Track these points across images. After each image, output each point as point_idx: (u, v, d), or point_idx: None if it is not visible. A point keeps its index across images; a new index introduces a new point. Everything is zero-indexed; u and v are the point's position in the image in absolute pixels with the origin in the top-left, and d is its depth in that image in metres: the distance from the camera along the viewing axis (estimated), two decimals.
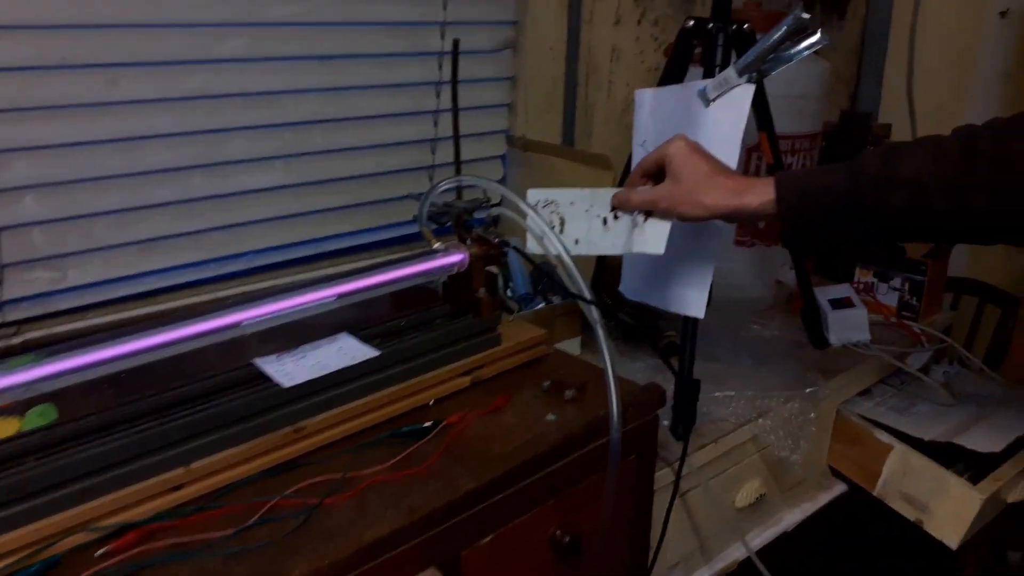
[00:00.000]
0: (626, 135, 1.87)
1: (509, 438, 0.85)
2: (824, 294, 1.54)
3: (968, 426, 1.40)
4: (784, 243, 1.04)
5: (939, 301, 1.82)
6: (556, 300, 1.25)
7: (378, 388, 0.87)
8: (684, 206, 0.82)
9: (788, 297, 1.80)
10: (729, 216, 0.82)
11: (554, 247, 0.89)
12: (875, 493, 1.40)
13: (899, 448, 1.37)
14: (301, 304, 0.90)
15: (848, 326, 1.57)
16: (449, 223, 1.02)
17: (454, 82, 1.35)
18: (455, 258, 1.03)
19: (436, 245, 1.03)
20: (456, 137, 1.39)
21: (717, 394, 1.30)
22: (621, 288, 1.10)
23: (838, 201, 0.75)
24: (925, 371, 1.58)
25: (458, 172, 1.40)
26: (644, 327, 1.47)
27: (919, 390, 1.53)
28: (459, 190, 1.33)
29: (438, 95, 1.41)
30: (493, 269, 1.22)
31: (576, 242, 0.92)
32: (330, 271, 1.26)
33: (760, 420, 1.32)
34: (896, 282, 1.67)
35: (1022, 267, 2.00)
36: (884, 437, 1.40)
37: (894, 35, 2.28)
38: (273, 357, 0.84)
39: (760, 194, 0.79)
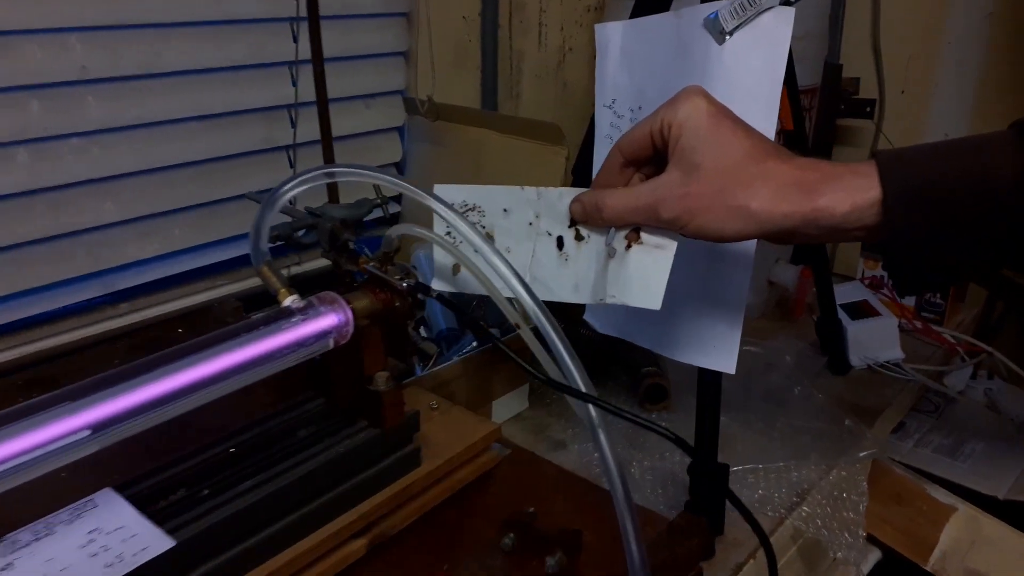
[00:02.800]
0: (567, 97, 1.43)
1: None
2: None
3: None
4: (890, 271, 0.60)
5: (962, 298, 1.49)
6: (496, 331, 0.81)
7: None
8: (710, 216, 0.53)
9: (784, 301, 1.39)
10: (792, 231, 0.53)
11: (505, 280, 0.56)
12: (929, 568, 1.09)
13: (964, 510, 1.07)
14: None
15: (873, 341, 1.28)
16: (322, 246, 0.70)
17: (314, 14, 0.85)
18: (326, 323, 0.56)
19: (288, 301, 0.55)
20: (322, 101, 0.88)
21: (735, 469, 0.98)
22: (587, 315, 0.83)
23: (1002, 206, 0.48)
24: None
25: (328, 158, 0.89)
26: (610, 356, 1.13)
27: (960, 415, 1.25)
28: (333, 188, 0.84)
29: (296, 38, 0.90)
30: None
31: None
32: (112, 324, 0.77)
33: (802, 507, 0.91)
34: None
35: None
36: (941, 495, 1.08)
37: None
38: None
39: (850, 191, 0.51)
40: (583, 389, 0.57)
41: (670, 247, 0.56)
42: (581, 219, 0.60)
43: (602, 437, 0.58)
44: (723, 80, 0.67)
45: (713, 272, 0.72)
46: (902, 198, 0.50)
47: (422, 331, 1.04)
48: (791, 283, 1.40)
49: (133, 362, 0.50)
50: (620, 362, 1.16)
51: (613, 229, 0.58)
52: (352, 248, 0.70)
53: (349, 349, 0.60)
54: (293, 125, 1.07)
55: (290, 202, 0.62)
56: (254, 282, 1.09)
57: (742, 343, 1.40)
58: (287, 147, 1.08)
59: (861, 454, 1.05)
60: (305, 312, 0.59)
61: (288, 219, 0.76)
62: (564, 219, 0.61)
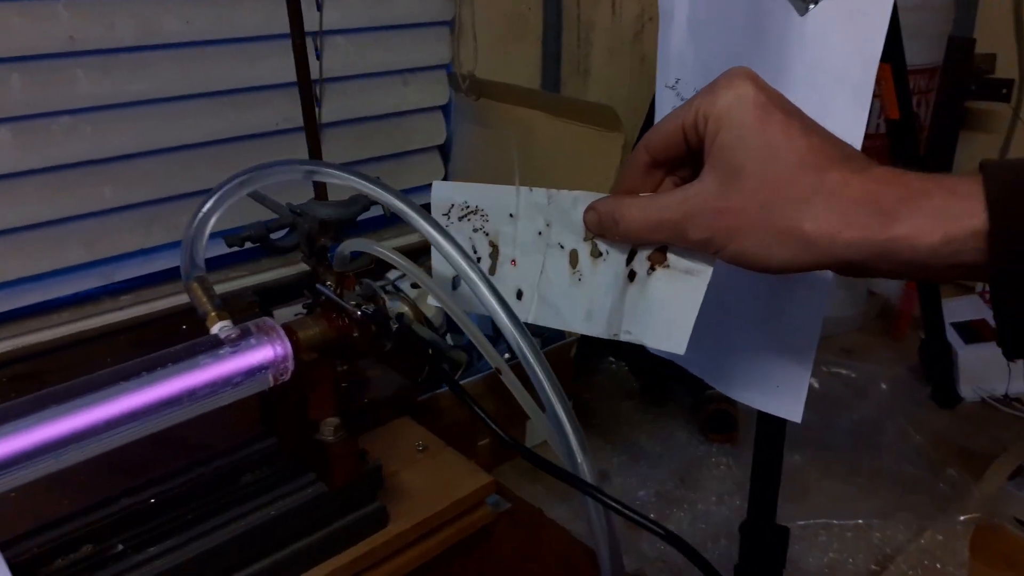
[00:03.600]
0: (645, 74, 1.28)
1: None
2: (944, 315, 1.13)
3: None
4: (999, 325, 0.40)
5: None
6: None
7: None
8: (752, 239, 0.41)
9: (886, 313, 1.22)
10: (859, 264, 0.40)
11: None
12: None
13: None
14: None
15: (990, 370, 1.14)
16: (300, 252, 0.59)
17: None
18: (258, 358, 0.46)
19: (217, 328, 0.45)
20: (303, 78, 0.78)
21: (800, 523, 0.88)
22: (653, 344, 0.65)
23: None
24: None
25: (313, 148, 0.79)
26: (672, 371, 0.97)
27: None
28: (318, 189, 0.74)
29: (320, 5, 0.80)
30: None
31: (519, 295, 0.52)
32: None
33: None
34: None
35: None
36: None
37: None
38: None
39: (943, 216, 0.38)
40: (578, 458, 0.45)
41: (702, 274, 0.45)
42: (596, 231, 0.49)
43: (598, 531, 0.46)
44: (803, 59, 0.57)
45: (780, 298, 0.61)
46: (1018, 230, 0.37)
47: (449, 338, 0.93)
48: (895, 294, 1.24)
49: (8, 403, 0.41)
50: (684, 380, 1.03)
51: (638, 247, 0.47)
52: (328, 256, 0.59)
53: (294, 388, 0.49)
54: (317, 103, 0.96)
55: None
56: (274, 274, 1.01)
57: (828, 361, 1.25)
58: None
59: (962, 517, 0.89)
60: (236, 343, 0.48)
61: (270, 215, 0.66)
62: (579, 230, 0.50)
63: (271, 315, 0.99)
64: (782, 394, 0.62)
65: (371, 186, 0.49)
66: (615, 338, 0.49)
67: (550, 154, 1.01)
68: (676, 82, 0.71)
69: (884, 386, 1.10)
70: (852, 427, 1.03)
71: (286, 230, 0.66)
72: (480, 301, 0.47)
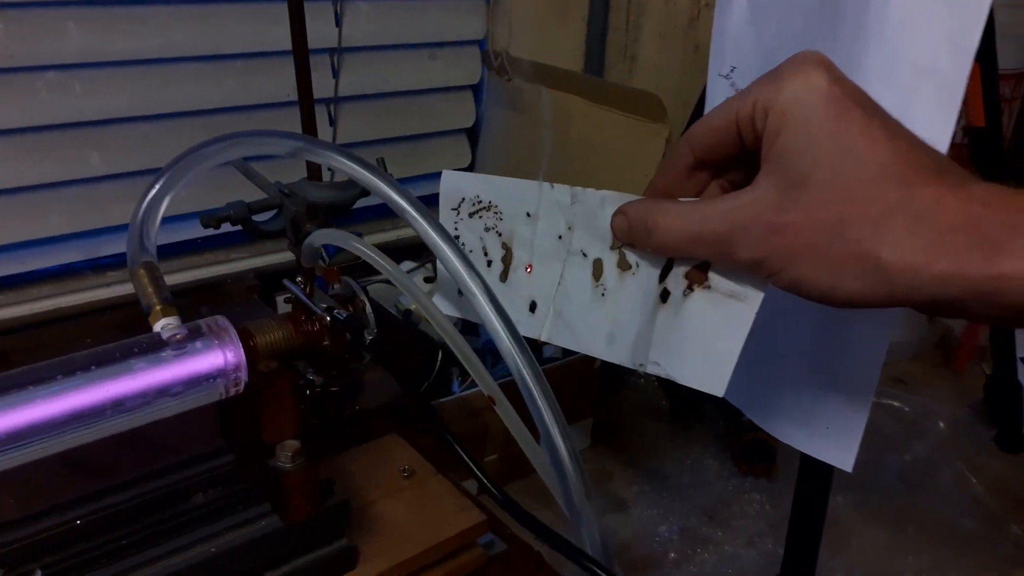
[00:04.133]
0: (699, 64, 1.18)
1: None
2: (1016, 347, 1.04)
3: None
4: None
5: None
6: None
7: None
8: (815, 264, 0.35)
9: (947, 343, 1.13)
10: (950, 303, 0.33)
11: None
12: None
13: None
14: None
15: None
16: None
17: None
18: (205, 366, 0.38)
19: (160, 326, 0.37)
20: (299, 46, 0.70)
21: None
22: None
23: None
24: None
25: (307, 123, 0.72)
26: (700, 402, 0.97)
27: None
28: (312, 167, 0.66)
29: None
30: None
31: (532, 307, 0.45)
32: None
33: None
34: None
35: None
36: None
37: None
38: None
39: None
40: (582, 519, 0.38)
41: (750, 300, 0.38)
42: (625, 240, 0.42)
43: None
44: (883, 49, 0.50)
45: (838, 328, 0.54)
46: None
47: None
48: (957, 321, 1.12)
49: None
50: (718, 402, 0.95)
51: (675, 262, 0.40)
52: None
53: (247, 403, 0.41)
54: (335, 74, 0.89)
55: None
56: (279, 258, 0.93)
57: (879, 391, 1.14)
58: (327, 100, 0.91)
59: None
60: (181, 346, 0.40)
61: (258, 195, 0.58)
62: (605, 236, 0.43)
63: (272, 302, 0.91)
64: (832, 438, 0.55)
65: (360, 168, 0.41)
66: (640, 368, 0.42)
67: (586, 145, 0.93)
68: (731, 71, 0.63)
69: (941, 424, 1.01)
70: (903, 468, 0.93)
71: (274, 212, 0.59)
72: (475, 310, 0.40)
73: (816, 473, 0.66)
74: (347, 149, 0.44)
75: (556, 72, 0.96)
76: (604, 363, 0.97)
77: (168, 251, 0.88)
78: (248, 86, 0.87)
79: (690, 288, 0.39)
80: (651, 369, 0.41)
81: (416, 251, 0.99)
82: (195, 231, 0.88)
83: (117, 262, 0.84)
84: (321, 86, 0.90)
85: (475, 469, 0.41)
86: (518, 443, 0.41)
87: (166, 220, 0.90)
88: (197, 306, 0.55)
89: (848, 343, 0.55)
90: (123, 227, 0.83)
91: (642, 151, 0.88)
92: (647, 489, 0.87)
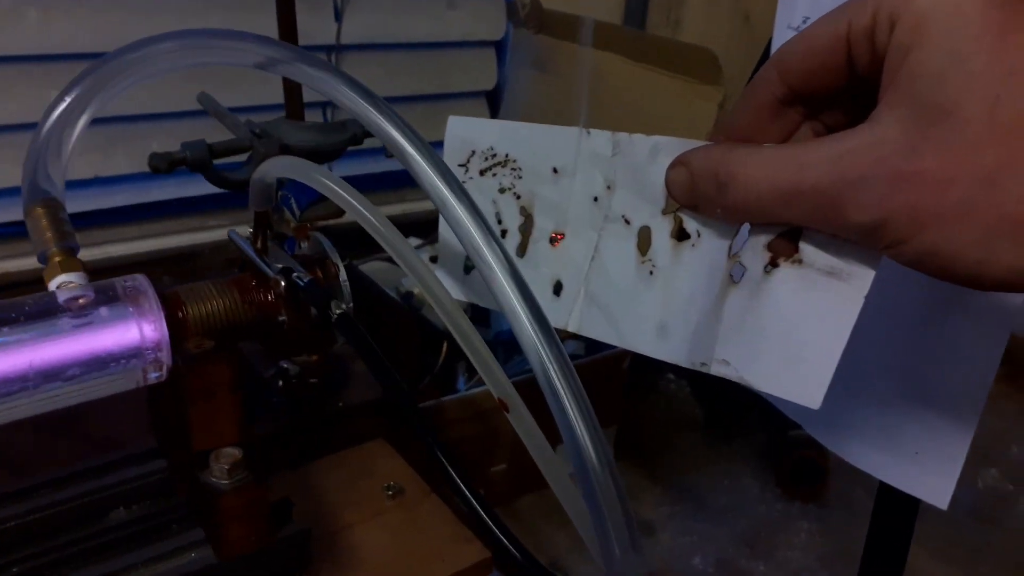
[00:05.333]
0: (749, 35, 1.20)
1: None
2: None
3: None
4: None
5: None
6: None
7: None
8: (959, 228, 0.26)
9: (1016, 357, 0.99)
10: None
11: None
12: None
13: None
14: None
15: None
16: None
17: None
18: (113, 341, 0.30)
19: (56, 284, 0.26)
20: None
21: None
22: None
23: None
24: None
25: (285, 27, 0.63)
26: (747, 399, 0.80)
27: None
28: (294, 94, 0.56)
29: None
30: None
31: (557, 289, 0.38)
32: None
33: None
34: None
35: None
36: None
37: None
38: None
39: None
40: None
41: (858, 279, 0.30)
42: (686, 200, 0.33)
43: None
44: None
45: (938, 329, 0.45)
46: None
47: None
48: None
49: None
50: (762, 411, 0.88)
51: (746, 228, 0.32)
52: (282, 198, 0.40)
53: (172, 395, 0.31)
54: (337, 18, 0.79)
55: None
56: None
57: None
58: (328, 48, 0.81)
59: None
60: (83, 313, 0.30)
61: (227, 135, 0.48)
62: (657, 197, 0.35)
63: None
64: (924, 466, 0.46)
65: (353, 93, 0.31)
66: (702, 369, 0.33)
67: (627, 111, 0.84)
68: (804, 21, 0.54)
69: (1015, 449, 0.89)
70: (974, 502, 0.82)
71: (246, 157, 0.48)
72: (491, 291, 0.30)
73: (896, 509, 0.55)
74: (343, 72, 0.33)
75: (593, 25, 0.86)
76: (633, 362, 0.87)
77: (132, 215, 0.79)
78: (232, 23, 0.76)
79: (774, 264, 0.31)
80: (717, 370, 0.33)
81: (428, 228, 0.89)
82: (167, 190, 0.78)
83: (82, 224, 0.75)
84: (322, 30, 0.81)
85: (470, 497, 0.30)
86: (544, 476, 0.30)
87: (130, 177, 0.78)
88: (159, 278, 0.45)
89: (954, 345, 0.45)
90: (89, 182, 0.74)
91: (693, 117, 0.78)
92: (678, 511, 0.77)
